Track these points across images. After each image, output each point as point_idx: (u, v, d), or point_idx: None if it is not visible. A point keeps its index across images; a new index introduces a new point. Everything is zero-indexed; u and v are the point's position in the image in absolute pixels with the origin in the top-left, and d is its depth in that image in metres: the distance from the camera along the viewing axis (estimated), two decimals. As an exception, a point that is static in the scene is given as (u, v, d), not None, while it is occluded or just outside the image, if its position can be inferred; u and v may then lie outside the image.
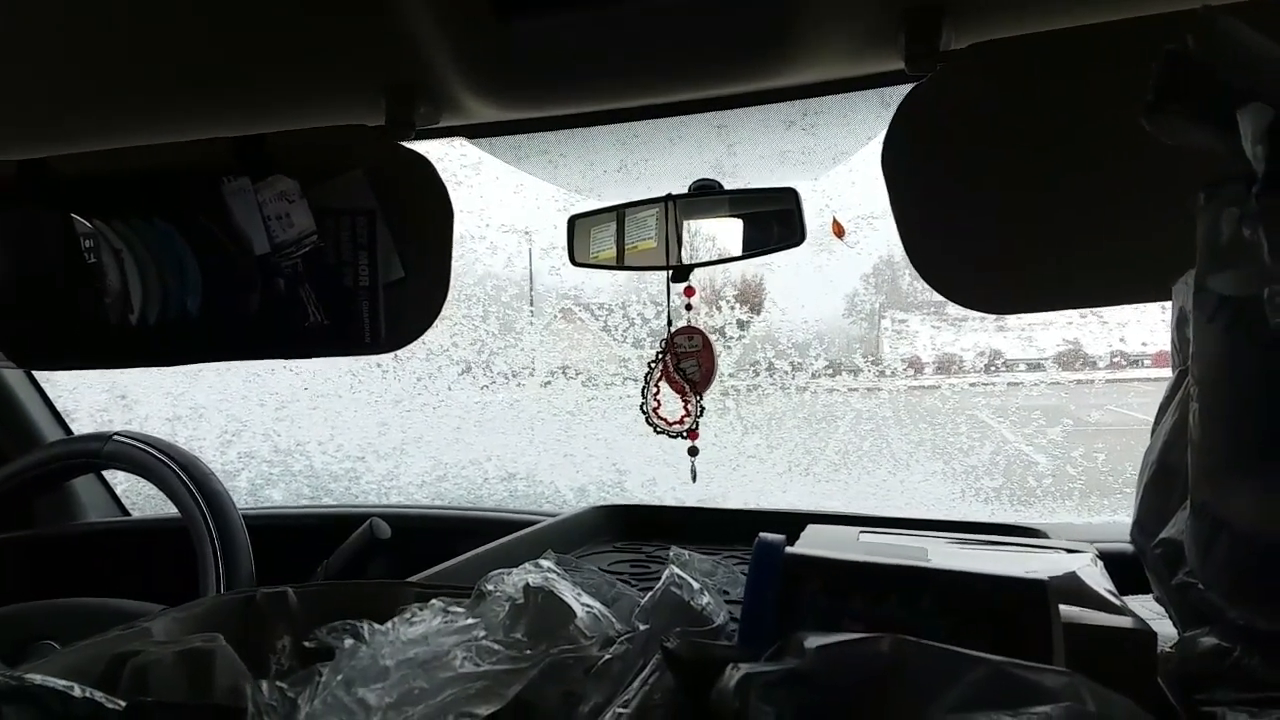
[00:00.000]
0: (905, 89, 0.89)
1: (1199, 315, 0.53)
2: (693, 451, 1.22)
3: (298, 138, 1.03)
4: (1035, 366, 2.11)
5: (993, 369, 2.16)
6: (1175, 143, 0.57)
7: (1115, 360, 2.14)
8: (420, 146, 1.04)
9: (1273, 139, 0.49)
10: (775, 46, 0.83)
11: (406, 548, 1.34)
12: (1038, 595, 0.50)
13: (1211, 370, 0.53)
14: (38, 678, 0.41)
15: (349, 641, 0.47)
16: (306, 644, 0.49)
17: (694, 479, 1.23)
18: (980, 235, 0.87)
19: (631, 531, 1.32)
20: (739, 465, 1.88)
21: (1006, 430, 1.88)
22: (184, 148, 1.06)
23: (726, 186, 1.21)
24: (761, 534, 0.53)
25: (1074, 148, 0.82)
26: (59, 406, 1.74)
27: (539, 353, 2.12)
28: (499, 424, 2.00)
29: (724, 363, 1.84)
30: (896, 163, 0.88)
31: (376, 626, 0.48)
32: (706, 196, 1.20)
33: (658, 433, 1.23)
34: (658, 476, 1.84)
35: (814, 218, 1.19)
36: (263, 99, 0.98)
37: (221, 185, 1.05)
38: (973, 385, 2.07)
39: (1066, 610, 0.53)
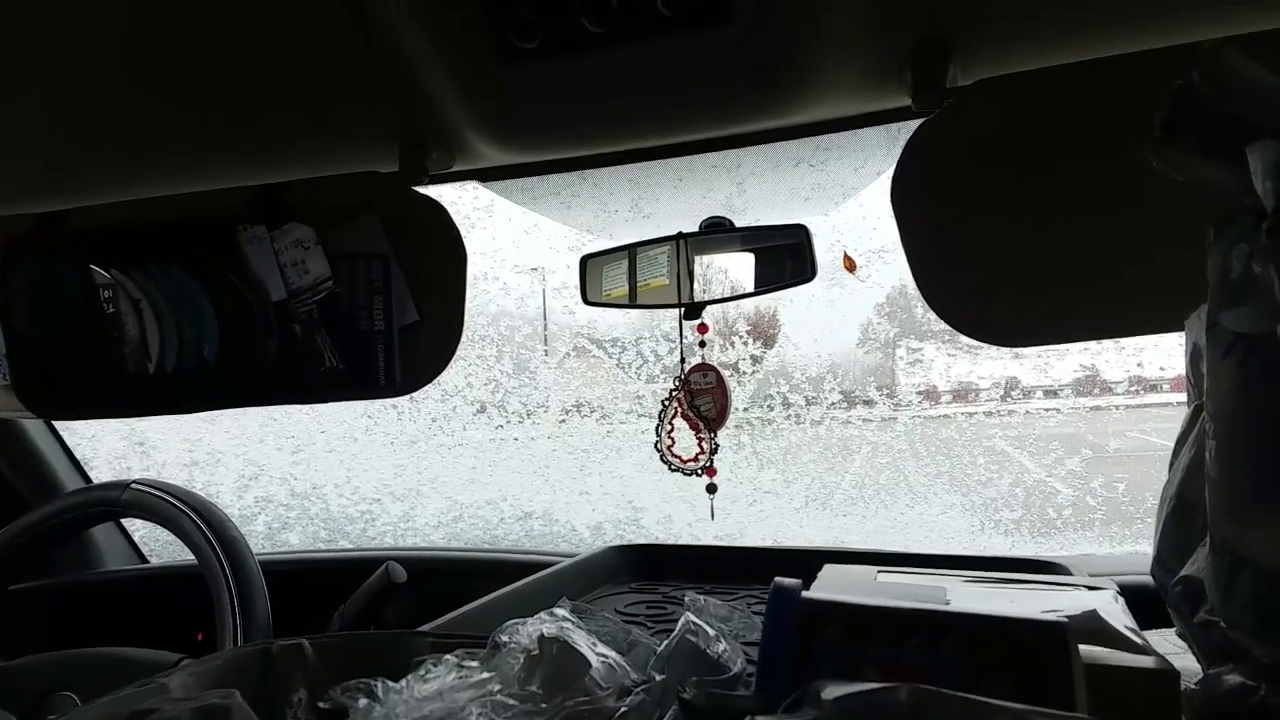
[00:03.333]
0: (913, 124, 0.89)
1: (1213, 351, 0.53)
2: (711, 489, 1.22)
3: (313, 186, 1.04)
4: (1052, 393, 2.10)
5: (1009, 397, 2.14)
6: (1183, 178, 0.57)
7: (1134, 387, 2.12)
8: (433, 191, 1.05)
9: (1281, 175, 0.49)
10: (780, 86, 0.83)
11: (423, 591, 1.34)
12: (1058, 637, 0.49)
13: (1227, 407, 0.52)
14: (55, 739, 0.41)
15: (363, 701, 0.47)
16: (321, 704, 0.48)
17: (713, 516, 1.23)
18: (992, 269, 0.87)
19: (647, 571, 1.31)
20: (755, 500, 1.88)
21: (1026, 459, 1.86)
22: (201, 198, 1.07)
23: (737, 223, 1.21)
24: (777, 578, 0.53)
25: (1084, 180, 0.82)
26: (78, 454, 1.75)
27: (553, 391, 2.13)
28: (514, 463, 2.01)
29: (737, 397, 1.84)
30: (905, 198, 0.88)
31: (390, 684, 0.48)
32: (717, 234, 1.21)
33: (673, 470, 1.22)
34: (673, 513, 1.83)
35: (825, 252, 1.20)
36: (278, 149, 0.99)
37: (238, 234, 1.06)
38: (989, 415, 2.06)
39: (1088, 651, 0.52)
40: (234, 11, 0.74)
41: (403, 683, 0.48)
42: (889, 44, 0.78)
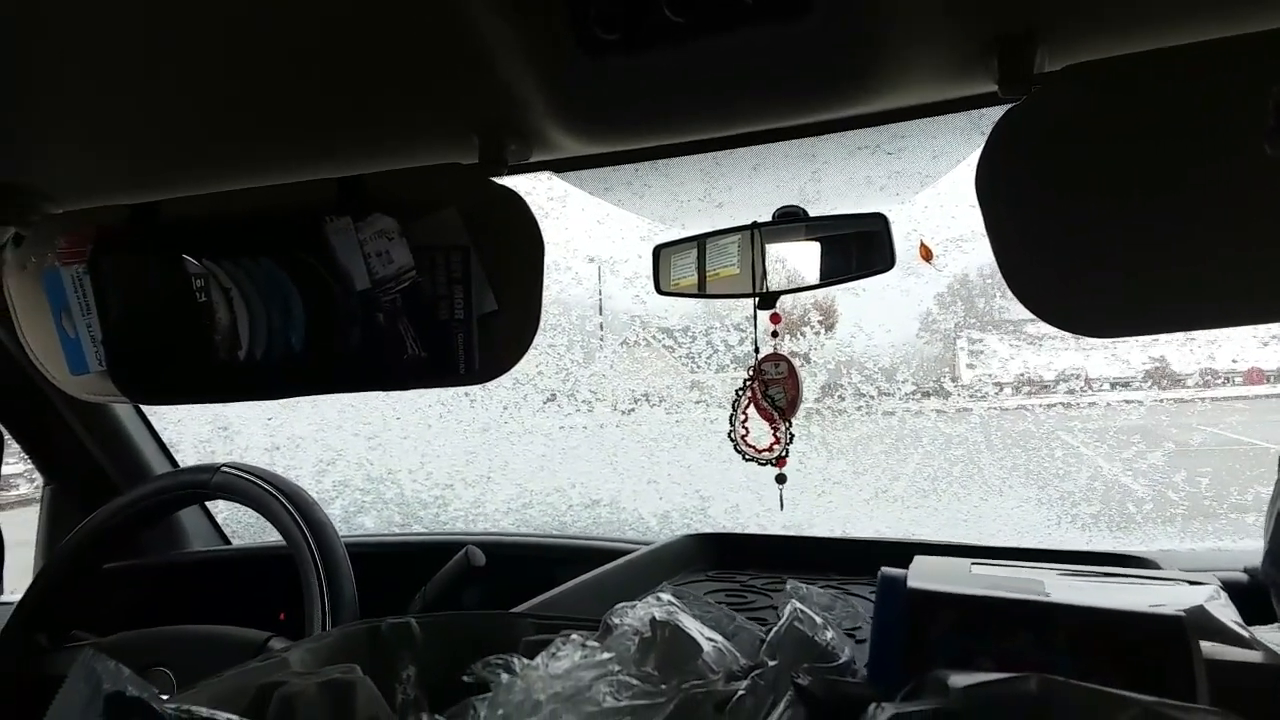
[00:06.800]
0: (997, 111, 0.88)
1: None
2: (780, 479, 1.21)
3: (396, 178, 1.06)
4: (1122, 385, 2.05)
5: (1078, 390, 2.09)
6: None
7: (1205, 379, 2.06)
8: (509, 181, 1.06)
9: None
10: (861, 75, 0.82)
11: (498, 575, 1.36)
12: (1176, 631, 0.48)
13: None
14: (204, 711, 0.43)
15: (505, 676, 0.48)
16: (466, 678, 0.50)
17: (781, 507, 1.23)
18: (1082, 258, 0.85)
19: (723, 560, 1.31)
20: (824, 491, 1.87)
21: (1105, 453, 1.82)
22: (288, 190, 1.09)
23: (811, 213, 1.20)
24: (884, 568, 0.53)
25: (1178, 167, 0.80)
26: (165, 438, 1.81)
27: (622, 380, 2.14)
28: (582, 451, 2.02)
29: (808, 387, 1.83)
30: (992, 187, 0.86)
31: (526, 661, 0.50)
32: (793, 223, 1.20)
33: (746, 460, 1.22)
34: (740, 503, 1.83)
35: (901, 241, 1.18)
36: (363, 142, 1.01)
37: (324, 225, 1.08)
38: (1067, 407, 2.02)
39: (1206, 646, 0.51)
40: (320, 8, 0.76)
41: (538, 660, 0.50)
42: (974, 32, 0.77)
